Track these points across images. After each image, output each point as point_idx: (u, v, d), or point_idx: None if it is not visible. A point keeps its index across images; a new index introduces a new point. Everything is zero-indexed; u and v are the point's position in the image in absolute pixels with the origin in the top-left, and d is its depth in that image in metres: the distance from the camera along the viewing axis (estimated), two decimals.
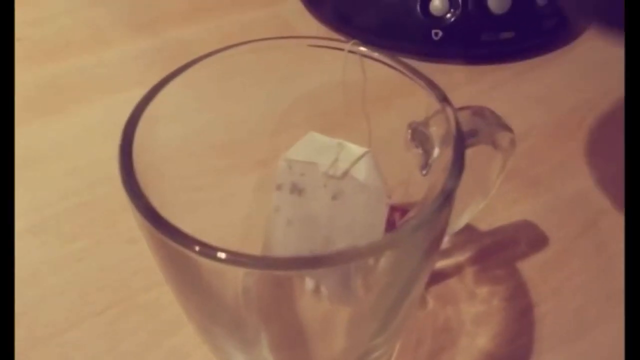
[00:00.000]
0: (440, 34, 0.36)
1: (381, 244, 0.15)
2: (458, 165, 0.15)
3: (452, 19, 0.36)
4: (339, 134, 0.22)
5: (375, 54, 0.19)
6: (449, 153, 0.18)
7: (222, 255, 0.14)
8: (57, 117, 0.33)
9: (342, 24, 0.40)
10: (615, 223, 0.28)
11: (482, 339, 0.24)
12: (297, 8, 0.43)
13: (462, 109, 0.20)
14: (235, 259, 0.15)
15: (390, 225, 0.21)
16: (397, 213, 0.22)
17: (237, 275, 0.17)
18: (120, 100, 0.35)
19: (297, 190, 0.20)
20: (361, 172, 0.19)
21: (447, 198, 0.15)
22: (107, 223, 0.28)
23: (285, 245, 0.20)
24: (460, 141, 0.16)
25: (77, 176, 0.30)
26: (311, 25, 0.41)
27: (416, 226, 0.14)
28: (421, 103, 0.20)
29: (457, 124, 0.16)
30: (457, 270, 0.26)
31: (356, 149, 0.19)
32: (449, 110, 0.17)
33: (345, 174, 0.19)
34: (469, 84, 0.36)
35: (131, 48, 0.38)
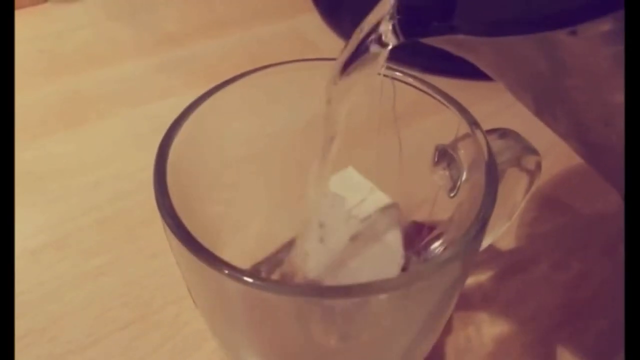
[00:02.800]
0: None
1: (412, 276, 0.14)
2: (491, 195, 0.15)
3: None
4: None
5: (406, 77, 0.19)
6: (478, 176, 0.18)
7: (249, 279, 0.15)
8: (78, 130, 0.34)
9: None
10: None
11: None
12: (316, 21, 0.43)
13: (488, 132, 0.20)
14: (261, 284, 0.15)
15: (419, 241, 0.21)
16: (425, 229, 0.22)
17: (261, 298, 0.17)
18: (141, 113, 0.35)
19: (322, 221, 0.20)
20: (383, 222, 0.19)
21: (480, 229, 0.15)
22: (128, 238, 0.28)
23: (310, 271, 0.20)
24: (494, 171, 0.16)
25: (99, 190, 0.30)
26: (330, 38, 0.41)
27: (450, 257, 0.14)
28: (448, 125, 0.20)
29: (490, 152, 0.16)
30: (479, 290, 0.26)
31: (384, 198, 0.19)
32: (480, 135, 0.17)
33: (367, 219, 0.19)
34: (487, 100, 0.36)
35: (152, 61, 0.39)
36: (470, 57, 0.17)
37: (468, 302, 0.26)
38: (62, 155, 0.32)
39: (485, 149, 0.16)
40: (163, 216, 0.15)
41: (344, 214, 0.19)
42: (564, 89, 0.15)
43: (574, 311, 0.26)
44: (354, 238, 0.19)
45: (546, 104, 0.17)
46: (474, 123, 0.17)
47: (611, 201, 0.30)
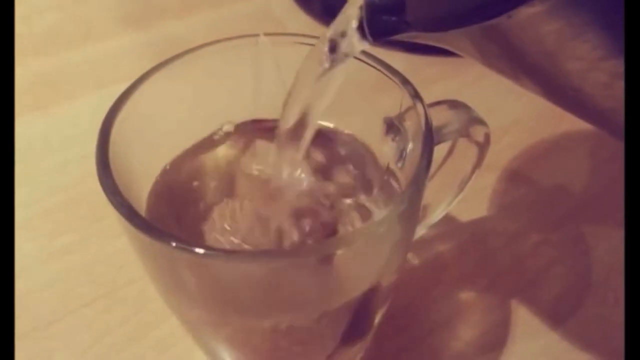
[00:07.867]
0: None
1: (351, 237, 0.15)
2: (426, 159, 0.16)
3: None
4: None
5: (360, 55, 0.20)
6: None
7: (200, 250, 0.15)
8: (45, 113, 0.34)
9: (331, 17, 0.40)
10: (592, 216, 0.29)
11: (462, 328, 0.25)
12: (286, 1, 0.43)
13: (437, 103, 0.20)
14: (212, 253, 0.15)
15: None
16: None
17: (213, 269, 0.17)
18: (108, 95, 0.35)
19: None
20: None
21: (414, 192, 0.15)
22: (94, 218, 0.28)
23: None
24: (429, 138, 0.16)
25: (65, 171, 0.30)
26: (299, 17, 0.41)
27: (388, 217, 0.15)
28: (397, 98, 0.20)
29: (427, 121, 0.17)
30: (437, 260, 0.27)
31: None
32: (419, 106, 0.17)
33: None
34: (455, 76, 0.37)
35: (120, 43, 0.39)
36: (442, 46, 0.17)
37: (426, 273, 0.27)
38: (29, 136, 0.32)
39: (423, 119, 0.17)
40: (106, 193, 0.15)
41: None
42: (526, 64, 0.15)
43: (530, 280, 0.27)
44: None
45: (518, 76, 0.17)
46: (415, 96, 0.18)
47: (570, 175, 0.31)
